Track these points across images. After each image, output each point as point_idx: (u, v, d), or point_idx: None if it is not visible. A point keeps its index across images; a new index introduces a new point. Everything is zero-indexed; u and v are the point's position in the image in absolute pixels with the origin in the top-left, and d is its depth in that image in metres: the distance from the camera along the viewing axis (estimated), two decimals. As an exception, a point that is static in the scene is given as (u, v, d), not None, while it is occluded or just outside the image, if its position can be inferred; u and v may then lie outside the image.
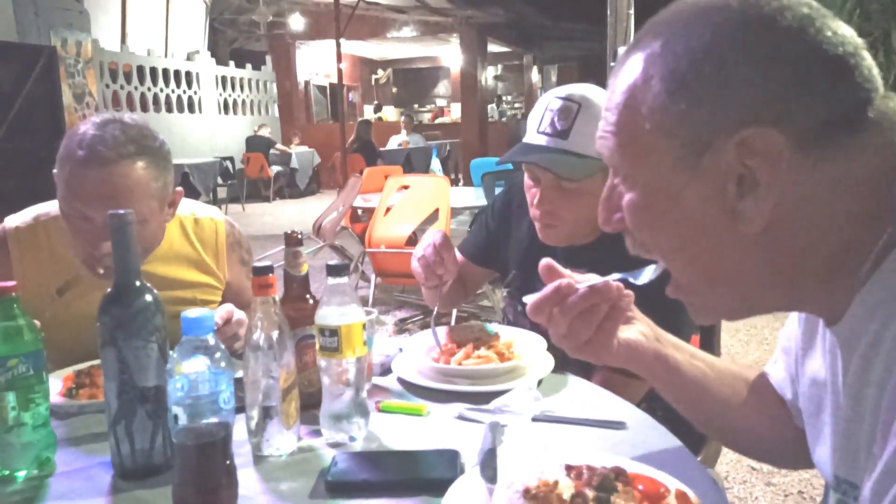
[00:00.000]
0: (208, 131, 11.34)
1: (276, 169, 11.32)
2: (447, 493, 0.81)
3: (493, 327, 1.44)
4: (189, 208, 1.53)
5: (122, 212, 0.91)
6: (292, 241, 1.14)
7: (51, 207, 1.45)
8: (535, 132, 1.35)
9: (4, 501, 0.87)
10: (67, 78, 8.17)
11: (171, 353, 0.81)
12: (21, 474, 0.92)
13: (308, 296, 1.15)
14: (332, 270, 1.03)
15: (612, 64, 4.61)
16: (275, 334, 0.98)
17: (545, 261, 0.94)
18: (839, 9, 5.38)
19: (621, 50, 4.65)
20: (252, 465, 0.96)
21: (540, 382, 1.21)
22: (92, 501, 0.86)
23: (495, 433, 1.00)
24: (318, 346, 1.03)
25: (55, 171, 1.27)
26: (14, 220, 1.47)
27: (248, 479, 0.90)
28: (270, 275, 0.99)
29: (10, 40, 7.57)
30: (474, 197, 4.70)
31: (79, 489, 0.89)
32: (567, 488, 0.78)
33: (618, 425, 1.06)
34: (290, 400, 1.01)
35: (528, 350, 1.31)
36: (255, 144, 11.44)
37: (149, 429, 0.91)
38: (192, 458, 0.80)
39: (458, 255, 1.69)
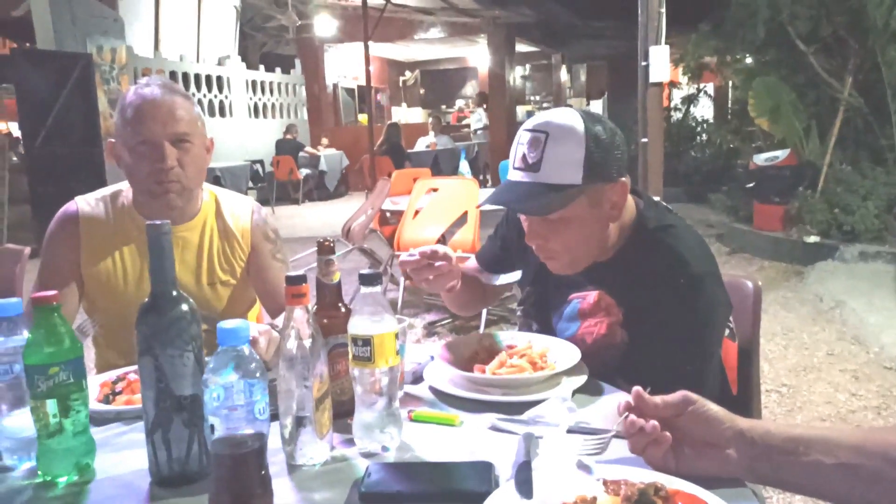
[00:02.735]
0: (239, 135, 11.50)
1: (305, 171, 11.42)
2: (482, 505, 0.80)
3: (504, 336, 1.42)
4: (221, 190, 1.72)
5: (158, 223, 0.92)
6: (325, 249, 1.14)
7: (117, 188, 1.63)
8: (513, 168, 1.31)
9: (47, 508, 0.88)
10: (103, 84, 8.35)
11: (207, 362, 0.82)
12: (62, 480, 0.94)
13: (340, 304, 1.15)
14: (366, 280, 1.02)
15: (644, 63, 4.58)
16: (308, 343, 0.98)
17: (635, 392, 0.93)
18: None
19: (652, 49, 4.61)
20: (286, 475, 0.96)
21: (574, 393, 1.19)
22: (131, 509, 0.87)
23: (529, 445, 0.99)
24: (350, 356, 1.03)
25: (112, 140, 1.54)
26: (84, 202, 1.58)
27: (282, 489, 0.91)
28: (304, 284, 0.99)
29: (49, 48, 7.78)
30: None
31: (118, 496, 0.90)
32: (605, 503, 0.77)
33: (654, 437, 1.04)
34: (323, 409, 1.01)
35: (563, 359, 1.29)
36: (285, 147, 11.57)
37: (185, 437, 0.92)
38: (227, 467, 0.81)
39: (474, 264, 1.68)
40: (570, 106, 1.35)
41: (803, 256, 5.52)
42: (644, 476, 0.85)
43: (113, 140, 1.53)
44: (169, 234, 0.93)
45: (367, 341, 1.00)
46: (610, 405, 1.19)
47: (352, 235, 4.46)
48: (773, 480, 0.87)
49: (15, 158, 8.52)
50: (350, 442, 1.05)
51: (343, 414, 1.12)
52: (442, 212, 3.99)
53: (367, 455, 1.02)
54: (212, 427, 0.80)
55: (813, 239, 5.55)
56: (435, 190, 4.15)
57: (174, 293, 0.93)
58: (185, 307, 0.93)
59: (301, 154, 11.55)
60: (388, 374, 1.03)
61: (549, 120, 1.27)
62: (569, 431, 1.07)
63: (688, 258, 1.29)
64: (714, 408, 0.88)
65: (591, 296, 1.37)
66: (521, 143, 1.29)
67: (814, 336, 3.96)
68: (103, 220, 1.58)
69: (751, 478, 0.87)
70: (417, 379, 1.33)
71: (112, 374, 1.30)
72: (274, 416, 0.98)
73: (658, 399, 0.89)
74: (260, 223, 1.71)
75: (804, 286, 4.95)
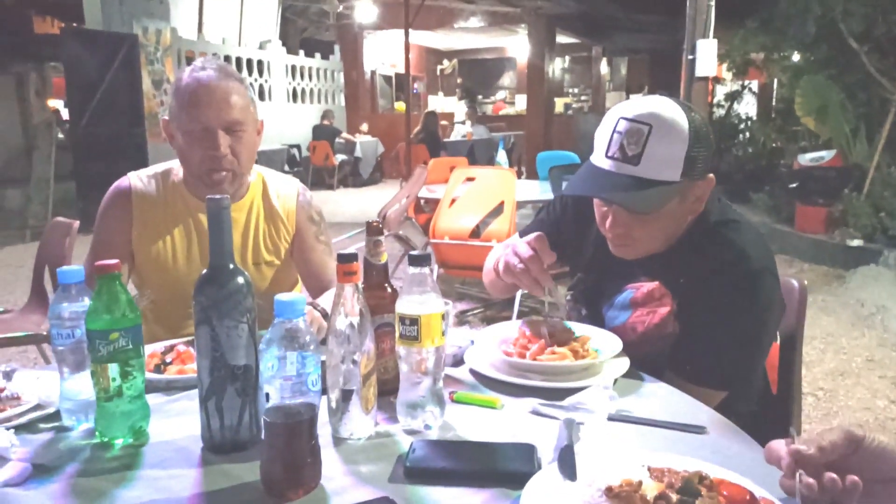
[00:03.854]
0: (277, 119, 11.62)
1: (340, 157, 11.51)
2: (525, 487, 0.81)
3: (570, 325, 1.43)
4: (268, 171, 1.74)
5: (218, 197, 0.95)
6: (373, 230, 1.16)
7: (168, 166, 1.66)
8: (604, 156, 1.23)
9: (104, 466, 0.92)
10: (147, 65, 8.50)
11: (263, 333, 0.84)
12: (118, 442, 0.98)
13: (387, 284, 1.17)
14: (414, 260, 1.04)
15: (691, 57, 4.50)
16: (356, 321, 1.00)
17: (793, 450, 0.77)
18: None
19: (700, 42, 4.53)
20: (332, 447, 0.98)
21: (615, 382, 1.19)
22: (183, 472, 0.90)
23: (571, 430, 0.99)
24: (397, 335, 1.05)
25: (166, 117, 1.56)
26: (136, 178, 1.63)
27: (329, 460, 0.93)
28: (355, 262, 1.01)
29: (97, 28, 7.96)
30: (539, 191, 4.66)
31: (171, 459, 0.94)
32: (650, 489, 0.77)
33: (698, 429, 1.04)
34: (369, 385, 1.03)
35: (604, 348, 1.29)
36: (322, 133, 11.66)
37: (237, 406, 0.95)
38: (280, 435, 0.83)
39: None
40: (627, 97, 1.30)
41: (845, 260, 5.39)
42: (688, 464, 0.85)
43: (167, 119, 1.56)
44: (228, 209, 0.95)
45: (414, 321, 1.02)
46: (652, 395, 1.19)
47: (387, 222, 4.49)
48: None
49: (61, 136, 8.76)
50: (393, 419, 1.07)
51: (387, 392, 1.14)
52: (478, 201, 3.99)
53: (410, 432, 1.03)
54: (266, 396, 0.82)
55: (856, 242, 5.42)
56: (472, 179, 4.15)
57: (231, 266, 0.95)
58: (241, 280, 0.95)
59: (337, 140, 11.63)
60: (433, 354, 1.04)
61: (655, 112, 1.20)
62: (609, 419, 1.08)
63: (749, 253, 1.28)
64: (882, 439, 0.76)
65: (647, 286, 1.37)
66: (618, 132, 1.21)
67: (853, 341, 3.87)
68: (155, 197, 1.62)
69: None
70: (458, 362, 1.34)
71: (160, 346, 1.34)
72: (321, 391, 1.00)
73: (823, 443, 0.75)
74: (305, 205, 1.74)
75: (845, 290, 4.83)
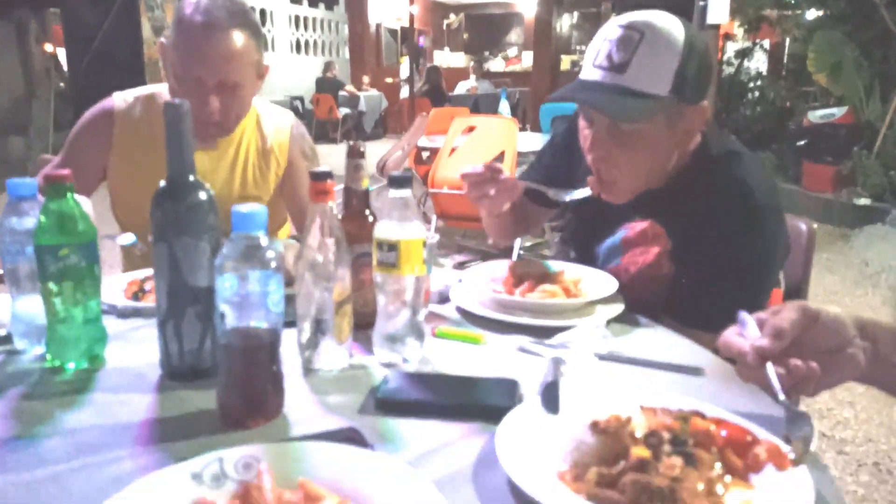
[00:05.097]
0: (280, 70, 11.39)
1: (344, 111, 11.31)
2: (503, 420, 0.74)
3: (556, 265, 1.35)
4: (262, 102, 1.62)
5: (177, 101, 0.86)
6: (355, 152, 1.07)
7: (155, 89, 1.55)
8: (591, 66, 1.18)
9: (52, 389, 0.86)
10: (147, 11, 8.27)
11: (220, 249, 0.76)
12: (71, 366, 0.91)
13: (368, 212, 1.09)
14: (396, 182, 0.95)
15: (702, 2, 4.32)
16: (331, 243, 0.92)
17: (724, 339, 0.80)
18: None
19: (713, -4, 4.34)
20: (301, 377, 0.92)
21: (608, 323, 1.12)
22: (138, 397, 0.84)
23: (558, 367, 0.92)
24: (375, 261, 0.97)
25: (164, 41, 1.41)
26: (121, 99, 1.54)
27: (295, 391, 0.86)
28: (329, 180, 0.92)
29: (95, -29, 7.72)
30: (541, 142, 4.54)
31: (126, 385, 0.87)
32: (640, 427, 0.70)
33: (695, 371, 0.97)
34: (343, 315, 0.95)
35: (597, 289, 1.21)
36: (325, 86, 11.43)
37: (198, 330, 0.88)
38: (237, 360, 0.76)
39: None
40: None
41: (851, 219, 5.28)
42: (684, 405, 0.78)
43: (164, 41, 1.42)
44: (188, 115, 0.86)
45: (393, 247, 0.94)
46: (647, 337, 1.12)
47: (386, 171, 4.39)
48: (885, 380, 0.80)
49: (62, 84, 8.58)
50: (370, 352, 1.00)
51: (364, 326, 1.07)
52: (479, 150, 3.88)
53: (387, 366, 0.97)
54: (222, 315, 0.75)
55: (863, 201, 5.30)
56: (472, 128, 4.03)
57: (191, 178, 0.87)
58: (202, 195, 0.87)
59: (341, 93, 11.41)
60: (413, 284, 0.96)
61: (650, 21, 1.13)
62: (600, 358, 1.01)
63: (752, 188, 1.19)
64: (833, 310, 0.77)
65: (640, 225, 1.29)
66: (607, 39, 1.15)
67: (857, 300, 3.80)
68: (137, 121, 1.51)
69: (867, 378, 0.79)
70: (444, 299, 1.27)
71: (141, 274, 1.28)
72: (291, 323, 0.93)
73: (783, 325, 0.74)
74: (298, 138, 1.65)
75: (850, 249, 4.75)
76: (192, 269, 0.86)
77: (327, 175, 0.92)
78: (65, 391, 0.85)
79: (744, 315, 0.81)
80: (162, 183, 0.87)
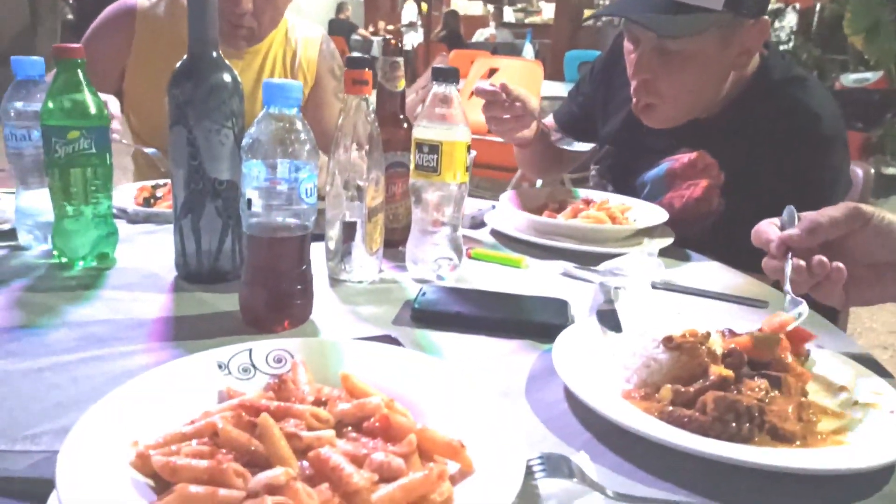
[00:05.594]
0: (291, 9, 11.07)
1: (356, 55, 11.02)
2: (558, 338, 0.67)
3: (580, 192, 1.26)
4: (292, 15, 1.53)
5: (201, -33, 0.76)
6: (391, 49, 0.97)
7: None
8: None
9: (58, 284, 0.78)
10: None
11: (248, 129, 0.67)
12: (80, 264, 0.84)
13: (402, 117, 1.00)
14: (440, 74, 0.86)
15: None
16: (365, 141, 0.83)
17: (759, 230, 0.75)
18: None
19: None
20: (329, 288, 0.84)
21: (659, 254, 1.03)
22: (151, 295, 0.76)
23: (609, 293, 0.84)
24: (412, 166, 0.88)
25: None
26: None
27: (323, 300, 0.79)
28: (367, 69, 0.83)
29: None
30: (564, 91, 4.38)
31: (138, 284, 0.80)
32: (718, 345, 0.62)
33: (759, 303, 0.89)
34: (375, 223, 0.87)
35: (647, 219, 1.13)
36: (337, 28, 11.13)
37: (217, 228, 0.80)
38: (263, 254, 0.68)
39: (551, 122, 1.49)
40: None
41: (876, 188, 5.12)
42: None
43: None
44: (213, -17, 0.76)
45: (434, 148, 0.85)
46: (702, 269, 1.03)
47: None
48: None
49: (70, 16, 8.35)
50: (401, 268, 0.93)
51: (393, 244, 0.99)
52: (500, 95, 3.73)
53: (421, 281, 0.89)
54: (248, 203, 0.66)
55: (891, 171, 5.16)
56: (495, 70, 3.88)
57: (214, 55, 0.77)
58: (226, 77, 0.78)
59: (353, 37, 11.12)
60: (454, 193, 0.88)
61: None
62: (654, 287, 0.92)
63: (819, 116, 1.09)
64: (891, 217, 0.70)
65: (688, 156, 1.19)
66: None
67: None
68: (160, 20, 1.40)
69: None
70: (478, 224, 1.19)
71: (152, 182, 1.20)
72: (318, 237, 0.85)
73: (821, 220, 0.70)
74: (328, 55, 1.56)
75: (873, 219, 4.62)
76: (212, 158, 0.77)
77: (366, 62, 0.83)
78: (72, 286, 0.78)
79: (790, 207, 0.76)
80: (181, 60, 0.78)
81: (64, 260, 0.84)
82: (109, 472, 0.38)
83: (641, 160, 1.28)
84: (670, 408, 0.56)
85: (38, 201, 0.88)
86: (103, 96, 1.11)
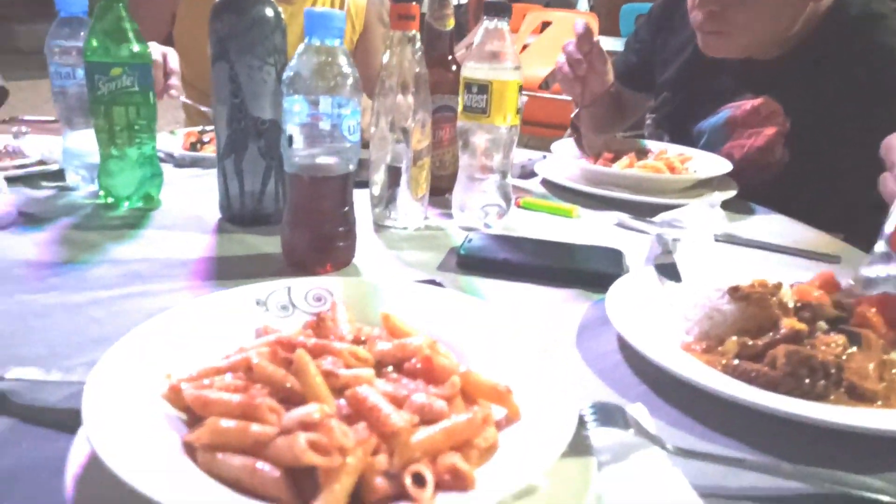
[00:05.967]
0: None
1: None
2: (612, 287, 0.62)
3: (656, 145, 1.20)
4: None
5: None
6: (440, -15, 0.92)
7: None
8: None
9: (103, 222, 0.78)
10: None
11: (289, 63, 0.64)
12: (125, 204, 0.83)
13: (451, 58, 0.95)
14: (492, 9, 0.81)
15: None
16: (411, 80, 0.79)
17: None
18: None
19: None
20: (373, 234, 0.82)
21: (721, 205, 0.97)
22: (195, 236, 0.75)
23: (667, 245, 0.79)
24: (460, 107, 0.84)
25: None
26: None
27: (367, 245, 0.76)
28: (414, 3, 0.78)
29: None
30: (620, 46, 4.21)
31: (182, 225, 0.79)
32: (789, 297, 0.57)
33: (830, 258, 0.82)
34: (421, 167, 0.84)
35: (708, 169, 1.06)
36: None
37: (260, 169, 0.78)
38: (305, 193, 0.66)
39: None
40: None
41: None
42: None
43: None
44: None
45: (483, 88, 0.81)
46: (769, 223, 0.97)
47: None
48: None
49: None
50: (447, 215, 0.89)
51: (439, 192, 0.96)
52: (552, 49, 3.61)
53: (467, 229, 0.85)
54: (290, 140, 0.64)
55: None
56: (548, 24, 3.75)
57: (257, -12, 0.74)
58: (269, 10, 0.75)
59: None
60: (504, 136, 0.83)
61: None
62: (717, 241, 0.87)
63: None
64: None
65: (751, 103, 1.11)
66: None
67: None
68: None
69: None
70: (528, 174, 1.14)
71: (198, 128, 1.19)
72: (361, 184, 0.82)
73: None
74: (376, 2, 1.53)
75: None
76: (254, 95, 0.75)
77: (413, -3, 0.78)
78: (117, 225, 0.77)
79: None
80: (224, -6, 0.75)
81: (110, 200, 0.83)
82: (139, 403, 0.37)
83: (700, 108, 1.20)
84: (736, 361, 0.52)
85: (85, 142, 0.88)
86: (162, 48, 1.10)
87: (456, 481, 0.33)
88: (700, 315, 0.57)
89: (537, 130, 3.87)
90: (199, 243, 0.73)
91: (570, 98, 1.24)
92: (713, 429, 0.47)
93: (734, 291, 0.56)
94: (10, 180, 0.86)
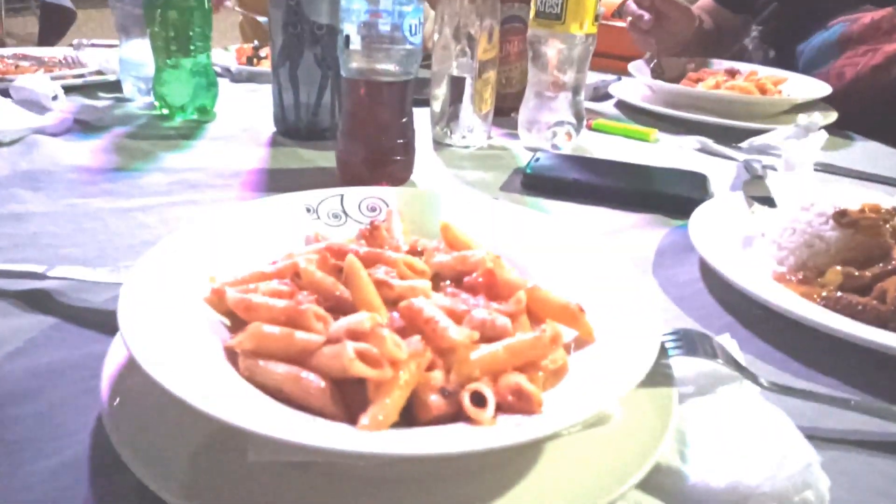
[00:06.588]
0: None
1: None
2: (695, 212, 0.56)
3: (727, 64, 1.09)
4: None
5: None
6: None
7: None
8: None
9: (158, 133, 0.76)
10: None
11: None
12: (180, 115, 0.81)
13: (523, -36, 0.87)
14: None
15: None
16: (480, -17, 0.72)
17: None
18: None
19: None
20: (433, 152, 0.77)
21: (818, 131, 0.87)
22: (249, 148, 0.73)
23: (756, 171, 0.72)
24: (532, 13, 0.76)
25: None
26: None
27: (426, 163, 0.72)
28: None
29: None
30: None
31: (236, 136, 0.76)
32: (905, 226, 0.50)
33: (945, 189, 0.73)
34: (486, 81, 0.78)
35: (804, 92, 0.96)
36: None
37: (316, 79, 0.73)
38: (362, 101, 0.61)
39: (704, 2, 1.29)
40: None
41: None
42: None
43: None
44: None
45: (559, -9, 0.73)
46: (869, 153, 0.87)
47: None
48: None
49: None
50: (513, 136, 0.83)
51: (505, 112, 0.90)
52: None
53: (534, 150, 0.79)
54: (346, 39, 0.59)
55: None
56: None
57: None
58: None
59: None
60: (578, 47, 0.76)
61: None
62: (816, 170, 0.78)
63: None
64: None
65: (870, 15, 0.98)
66: None
67: None
68: None
69: None
70: (601, 96, 1.07)
71: (255, 43, 1.16)
72: (421, 102, 0.77)
73: None
74: None
75: None
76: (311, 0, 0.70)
77: None
78: (171, 135, 0.75)
79: None
80: None
81: (164, 111, 0.81)
82: (179, 306, 0.34)
83: (811, 20, 1.08)
84: (839, 293, 0.45)
85: (141, 52, 0.85)
86: None
87: (520, 403, 0.29)
88: (798, 242, 0.51)
89: (607, 63, 3.67)
90: (252, 156, 0.70)
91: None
92: (810, 365, 0.41)
93: (841, 216, 0.49)
94: (68, 89, 0.84)
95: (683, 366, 0.36)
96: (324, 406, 0.30)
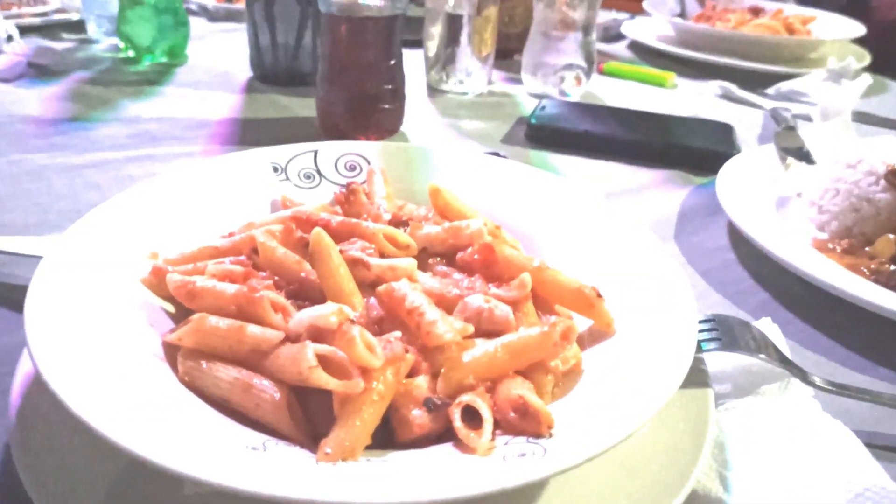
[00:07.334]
0: None
1: None
2: (722, 169, 0.49)
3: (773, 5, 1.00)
4: None
5: None
6: None
7: None
8: None
9: (121, 78, 0.68)
10: None
11: None
12: (148, 59, 0.73)
13: None
14: None
15: None
16: None
17: None
18: None
19: None
20: (427, 99, 0.69)
21: (853, 76, 0.79)
22: (221, 95, 0.65)
23: (786, 122, 0.64)
24: (539, -59, 0.68)
25: None
26: None
27: (418, 111, 0.65)
28: None
29: None
30: None
31: (208, 82, 0.68)
32: (970, 186, 0.43)
33: None
34: (487, 19, 0.69)
35: (836, 32, 0.87)
36: None
37: (295, 16, 0.65)
38: (345, 40, 0.53)
39: None
40: None
41: None
42: None
43: None
44: None
45: (570, -86, 0.64)
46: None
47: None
48: None
49: None
50: (516, 81, 0.76)
51: (507, 54, 0.82)
52: None
53: (539, 97, 0.72)
54: (325, -32, 0.51)
55: None
56: None
57: None
58: None
59: None
60: (590, -21, 0.68)
61: None
62: (855, 121, 0.70)
63: None
64: None
65: None
66: None
67: None
68: None
69: None
70: (613, 37, 0.98)
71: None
72: (413, 43, 0.69)
73: None
74: None
75: None
76: (288, -78, 0.61)
77: None
78: (136, 81, 0.67)
79: None
80: None
81: (130, 53, 0.73)
82: (109, 292, 0.28)
83: None
84: (892, 266, 0.39)
85: (106, -11, 0.77)
86: None
87: (523, 422, 0.23)
88: (842, 205, 0.44)
89: (617, 3, 3.51)
90: (225, 103, 0.63)
91: None
92: (861, 353, 0.36)
93: (893, 176, 0.43)
94: (25, 30, 0.76)
95: (719, 362, 0.30)
96: (278, 422, 0.24)
